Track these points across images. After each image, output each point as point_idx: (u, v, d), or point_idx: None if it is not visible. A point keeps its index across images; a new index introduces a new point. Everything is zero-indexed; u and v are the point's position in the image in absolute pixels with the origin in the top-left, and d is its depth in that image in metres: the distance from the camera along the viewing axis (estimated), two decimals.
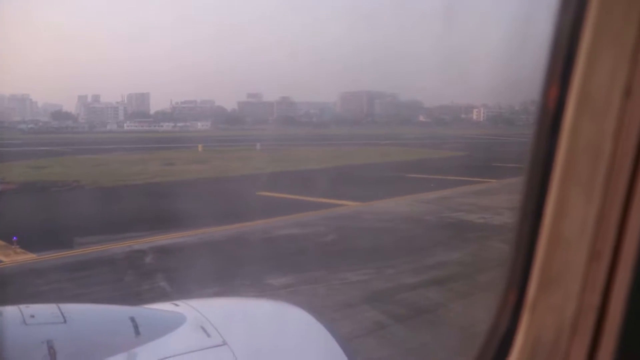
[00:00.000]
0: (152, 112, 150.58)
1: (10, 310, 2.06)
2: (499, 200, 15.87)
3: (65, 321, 2.06)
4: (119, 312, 2.44)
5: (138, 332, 2.15)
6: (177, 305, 2.58)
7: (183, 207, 15.25)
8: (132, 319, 2.20)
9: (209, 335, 2.24)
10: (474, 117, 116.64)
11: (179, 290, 8.29)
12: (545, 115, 0.91)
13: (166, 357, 2.09)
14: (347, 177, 23.24)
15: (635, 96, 0.83)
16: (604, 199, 0.86)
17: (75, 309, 2.24)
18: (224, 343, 2.20)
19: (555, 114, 0.89)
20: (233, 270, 9.40)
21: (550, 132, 0.90)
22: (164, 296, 7.87)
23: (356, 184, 20.43)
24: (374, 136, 65.32)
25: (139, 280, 9.06)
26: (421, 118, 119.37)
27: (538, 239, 0.92)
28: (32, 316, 2.03)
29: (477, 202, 15.90)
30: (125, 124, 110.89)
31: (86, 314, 2.36)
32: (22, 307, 2.09)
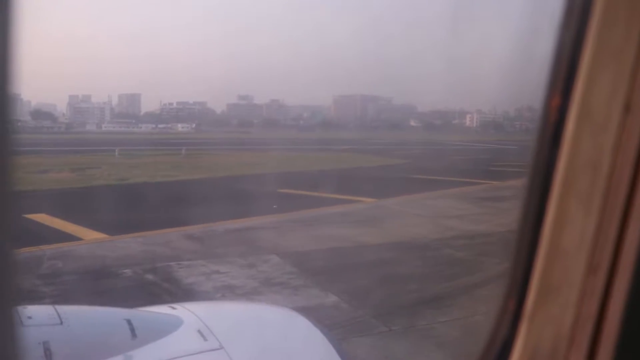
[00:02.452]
0: (142, 113, 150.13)
1: None
2: (301, 237, 11.46)
3: (61, 323, 2.04)
4: (115, 314, 2.40)
5: (134, 335, 2.12)
6: (174, 308, 2.55)
7: None
8: (129, 322, 2.17)
9: (205, 339, 2.20)
10: (467, 122, 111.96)
11: None
12: (546, 129, 0.92)
13: None
14: (202, 194, 18.89)
15: (634, 111, 0.85)
16: (602, 212, 0.88)
17: (71, 311, 2.19)
18: (221, 347, 2.16)
19: (556, 127, 0.91)
20: None
21: (550, 145, 0.91)
22: None
23: (185, 205, 16.11)
24: (343, 140, 61.61)
25: None
26: (412, 123, 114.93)
27: (537, 250, 0.93)
28: (29, 317, 2.01)
29: (265, 238, 11.48)
30: (103, 125, 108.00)
31: (82, 316, 2.31)
32: (19, 308, 2.01)
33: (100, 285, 8.95)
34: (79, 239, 11.86)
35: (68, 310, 2.15)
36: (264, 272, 9.27)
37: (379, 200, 16.80)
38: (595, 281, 0.89)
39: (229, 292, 8.28)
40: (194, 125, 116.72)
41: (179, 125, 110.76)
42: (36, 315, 2.05)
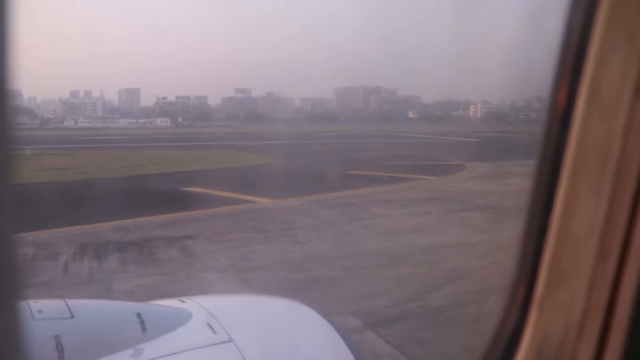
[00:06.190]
0: (141, 107, 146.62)
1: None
2: None
3: (72, 316, 2.06)
4: (125, 308, 2.43)
5: (144, 328, 2.13)
6: (183, 301, 2.56)
7: None
8: (139, 315, 2.19)
9: (215, 332, 2.22)
10: (471, 113, 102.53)
11: None
12: (555, 114, 0.90)
13: (172, 353, 2.07)
14: None
15: None
16: (612, 198, 0.86)
17: (82, 305, 2.22)
18: (230, 340, 2.18)
19: (565, 112, 0.88)
20: None
21: (560, 130, 0.89)
22: None
23: None
24: (291, 134, 55.03)
25: None
26: (410, 114, 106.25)
27: (547, 236, 0.91)
28: (40, 311, 2.03)
29: None
30: (79, 121, 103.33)
31: (93, 310, 2.34)
32: (30, 302, 2.07)
33: None
34: None
35: (79, 304, 2.15)
36: None
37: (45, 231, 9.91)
38: (606, 268, 0.88)
39: None
40: (180, 120, 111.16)
41: (158, 120, 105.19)
42: (47, 309, 2.05)
